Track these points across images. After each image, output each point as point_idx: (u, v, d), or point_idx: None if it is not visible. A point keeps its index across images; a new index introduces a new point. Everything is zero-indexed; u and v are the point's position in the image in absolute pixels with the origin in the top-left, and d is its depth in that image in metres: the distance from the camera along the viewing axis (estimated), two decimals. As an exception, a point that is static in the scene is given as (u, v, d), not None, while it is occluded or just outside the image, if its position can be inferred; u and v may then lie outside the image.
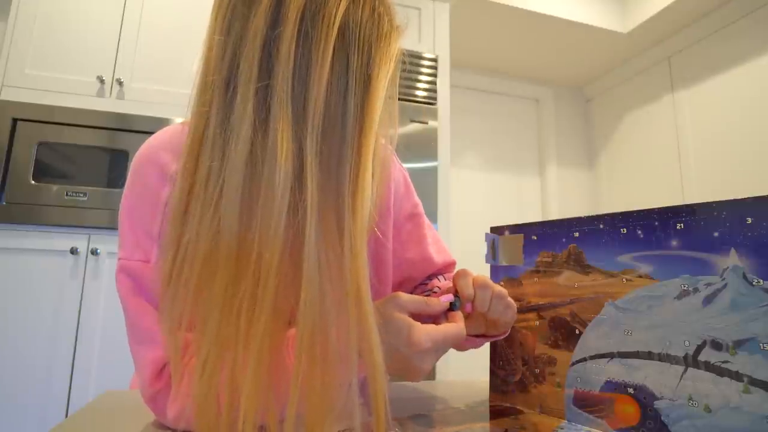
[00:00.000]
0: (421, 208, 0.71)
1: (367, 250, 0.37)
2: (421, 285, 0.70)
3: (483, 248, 0.62)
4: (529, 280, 0.56)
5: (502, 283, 0.60)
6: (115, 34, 1.70)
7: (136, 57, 1.70)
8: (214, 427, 0.34)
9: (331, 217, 0.35)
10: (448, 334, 0.42)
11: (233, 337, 0.34)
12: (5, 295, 1.46)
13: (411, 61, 1.93)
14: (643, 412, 0.43)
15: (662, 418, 0.42)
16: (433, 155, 1.91)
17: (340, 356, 0.34)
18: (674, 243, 0.43)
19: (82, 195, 1.56)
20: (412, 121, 1.89)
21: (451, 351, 0.51)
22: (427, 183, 1.87)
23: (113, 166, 1.61)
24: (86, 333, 1.49)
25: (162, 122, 1.65)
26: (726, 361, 0.38)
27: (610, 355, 0.47)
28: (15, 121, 1.54)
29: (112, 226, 1.57)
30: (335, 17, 0.36)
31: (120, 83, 1.66)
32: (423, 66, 1.97)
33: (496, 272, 0.60)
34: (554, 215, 2.85)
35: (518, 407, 0.55)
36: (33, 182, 1.53)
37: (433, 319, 0.45)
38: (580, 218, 0.51)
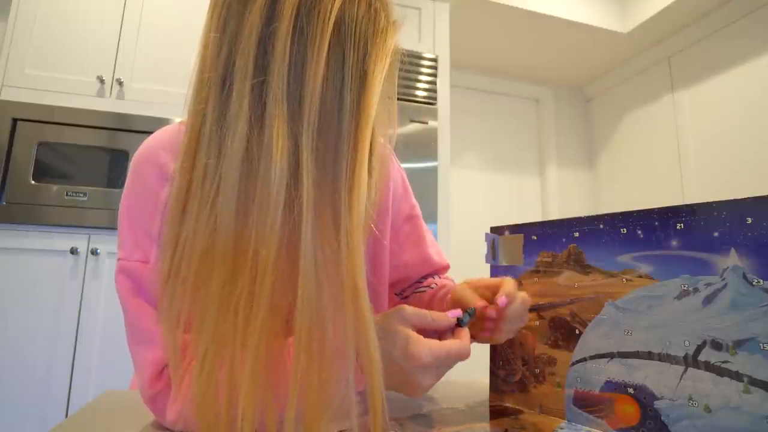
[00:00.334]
0: (418, 210, 0.71)
1: (365, 248, 0.36)
2: (416, 283, 0.70)
3: (483, 248, 0.62)
4: (529, 280, 0.56)
5: (502, 283, 0.60)
6: (115, 34, 1.70)
7: (136, 57, 1.70)
8: (213, 426, 0.34)
9: (327, 213, 0.35)
10: (451, 351, 0.41)
11: (231, 334, 0.33)
12: (5, 295, 1.45)
13: (411, 61, 1.93)
14: (643, 412, 0.43)
15: (662, 418, 0.42)
16: (433, 155, 1.91)
17: (337, 352, 0.34)
18: (674, 243, 0.43)
19: (82, 195, 1.56)
20: (412, 121, 1.89)
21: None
22: (427, 183, 1.87)
23: (113, 166, 1.61)
24: (86, 333, 1.49)
25: (162, 122, 1.65)
26: (726, 361, 0.38)
27: (610, 355, 0.47)
28: (15, 121, 1.54)
29: (112, 226, 1.57)
30: (330, 12, 0.36)
31: (120, 83, 1.66)
32: (423, 66, 1.97)
33: (496, 272, 0.60)
34: (554, 215, 2.85)
35: (518, 407, 0.55)
36: (33, 182, 1.53)
37: (439, 334, 0.44)
38: (580, 218, 0.51)
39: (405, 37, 0.49)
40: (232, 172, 0.35)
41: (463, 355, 0.41)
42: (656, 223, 0.45)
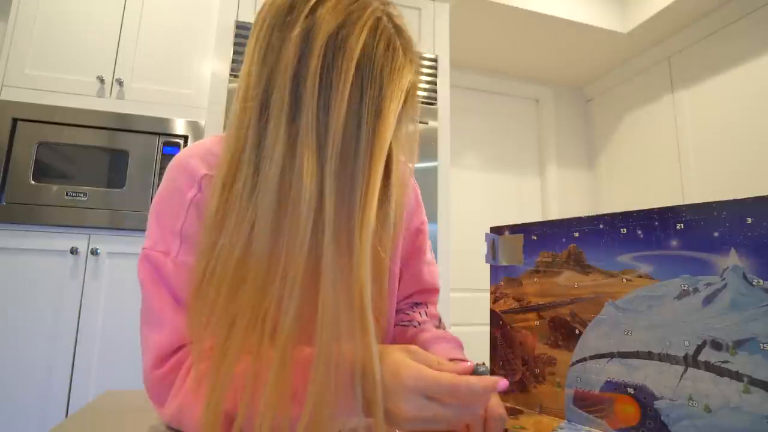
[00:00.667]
0: (426, 226, 0.71)
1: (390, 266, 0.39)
2: (402, 313, 0.68)
3: (483, 248, 0.62)
4: (529, 280, 0.56)
5: (502, 282, 0.60)
6: (115, 34, 1.70)
7: (136, 57, 1.70)
8: (213, 423, 0.36)
9: (343, 234, 0.39)
10: (441, 381, 0.36)
11: (258, 338, 0.37)
12: (5, 295, 1.45)
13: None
14: (643, 412, 0.43)
15: (662, 418, 0.42)
16: (433, 155, 1.91)
17: (348, 363, 0.37)
18: (674, 243, 0.43)
19: (82, 195, 1.56)
20: (412, 121, 1.89)
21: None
22: (427, 183, 1.87)
23: (113, 166, 1.61)
24: (86, 333, 1.49)
25: (162, 122, 1.65)
26: (726, 361, 0.38)
27: (610, 355, 0.47)
28: (15, 121, 1.54)
29: (111, 226, 1.57)
30: (354, 52, 0.40)
31: (120, 83, 1.66)
32: (423, 66, 1.96)
33: (496, 272, 0.60)
34: (554, 215, 2.85)
35: (518, 407, 0.55)
36: (33, 182, 1.53)
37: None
38: (580, 218, 0.51)
39: (416, 43, 0.50)
40: (269, 193, 0.39)
41: (460, 390, 0.36)
42: (656, 223, 0.45)
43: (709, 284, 0.40)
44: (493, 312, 0.62)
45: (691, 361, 0.40)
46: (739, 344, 0.38)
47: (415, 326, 0.65)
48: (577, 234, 0.51)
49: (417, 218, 0.70)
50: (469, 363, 0.39)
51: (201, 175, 0.49)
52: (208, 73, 1.74)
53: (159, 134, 1.65)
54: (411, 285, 0.69)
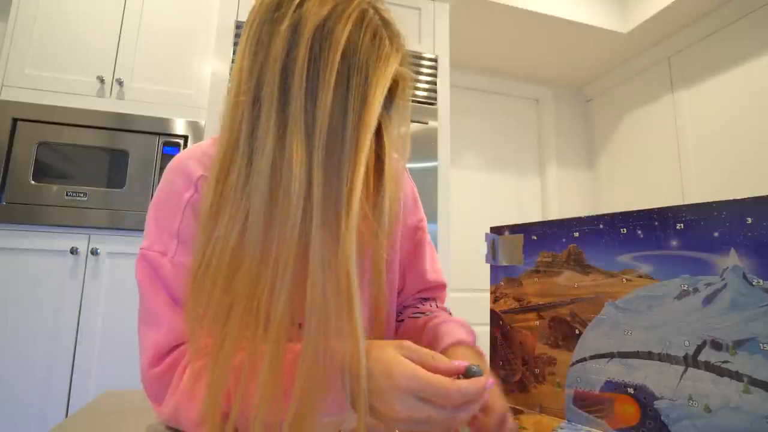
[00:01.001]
0: (425, 224, 0.71)
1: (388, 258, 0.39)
2: (413, 307, 0.69)
3: (483, 248, 0.62)
4: (529, 280, 0.56)
5: (502, 282, 0.60)
6: (115, 34, 1.70)
7: (136, 57, 1.70)
8: (214, 415, 0.37)
9: (331, 221, 0.40)
10: (434, 383, 0.36)
11: (253, 325, 0.38)
12: (5, 295, 1.45)
13: (411, 62, 1.93)
14: (643, 412, 0.43)
15: (662, 418, 0.42)
16: (433, 155, 1.91)
17: (337, 354, 0.37)
18: (674, 243, 0.43)
19: (82, 195, 1.56)
20: (412, 121, 1.89)
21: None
22: (427, 183, 1.87)
23: (113, 166, 1.61)
24: (86, 333, 1.49)
25: (162, 122, 1.65)
26: (726, 361, 0.38)
27: (610, 355, 0.47)
28: (15, 121, 1.54)
29: (111, 226, 1.57)
30: (339, 42, 0.41)
31: (120, 83, 1.66)
32: (423, 66, 1.96)
33: (496, 272, 0.60)
34: (554, 215, 2.85)
35: (518, 407, 0.55)
36: (33, 182, 1.53)
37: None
38: (580, 218, 0.51)
39: (405, 38, 0.51)
40: (261, 183, 0.40)
41: (451, 394, 0.36)
42: (656, 223, 0.45)
43: (709, 284, 0.40)
44: (493, 312, 0.62)
45: (691, 361, 0.40)
46: (739, 344, 0.38)
47: (427, 315, 0.65)
48: (577, 234, 0.51)
49: (414, 215, 0.70)
50: (463, 363, 0.39)
51: (197, 176, 0.50)
52: (208, 73, 1.74)
53: (159, 134, 1.65)
54: (417, 283, 0.69)
